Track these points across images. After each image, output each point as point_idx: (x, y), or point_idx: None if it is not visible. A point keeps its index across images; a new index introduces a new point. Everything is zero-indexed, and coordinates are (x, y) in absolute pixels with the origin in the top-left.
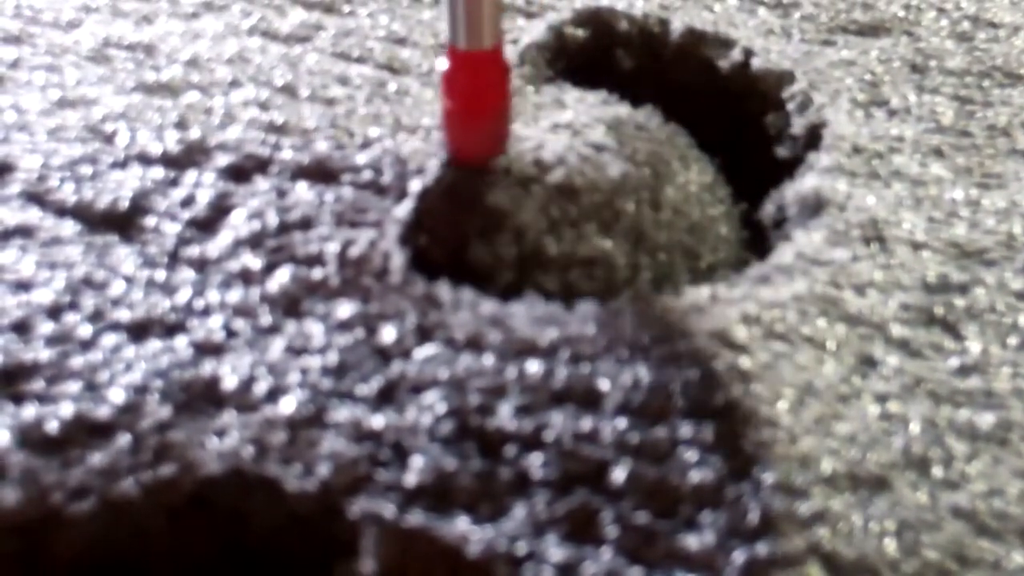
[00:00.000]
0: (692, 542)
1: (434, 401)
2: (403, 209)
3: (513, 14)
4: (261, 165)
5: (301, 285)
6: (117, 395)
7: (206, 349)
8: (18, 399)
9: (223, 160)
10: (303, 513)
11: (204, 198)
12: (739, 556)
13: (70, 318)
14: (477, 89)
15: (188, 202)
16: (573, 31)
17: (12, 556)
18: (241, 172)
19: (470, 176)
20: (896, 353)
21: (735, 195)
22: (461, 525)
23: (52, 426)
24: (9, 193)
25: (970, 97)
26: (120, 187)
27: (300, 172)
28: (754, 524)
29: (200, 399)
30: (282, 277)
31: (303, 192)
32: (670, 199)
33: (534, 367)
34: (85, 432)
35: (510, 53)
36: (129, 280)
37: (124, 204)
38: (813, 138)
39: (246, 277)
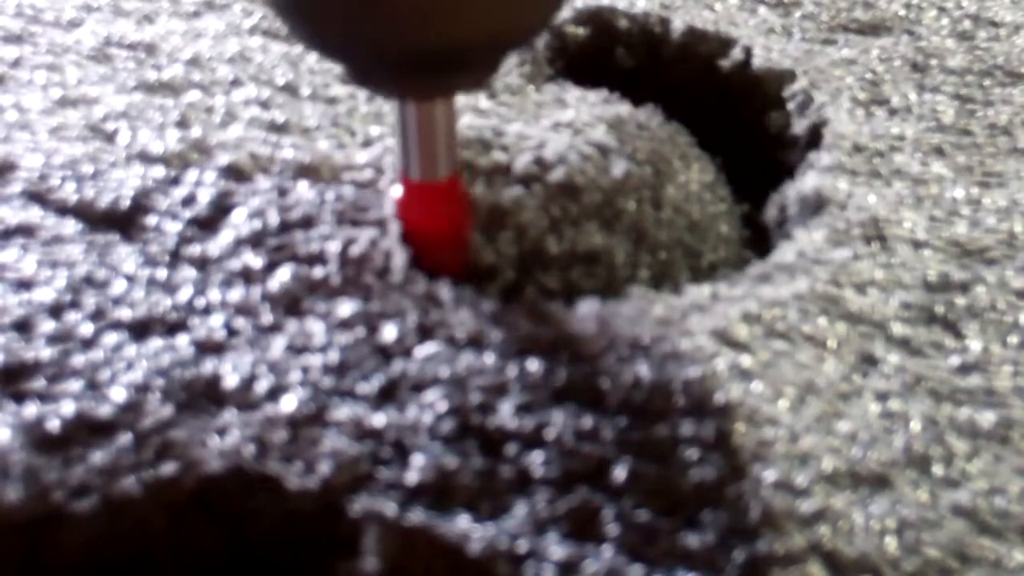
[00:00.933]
0: (693, 540)
1: (435, 399)
2: None
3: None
4: (262, 164)
5: (302, 284)
6: (118, 393)
7: (207, 348)
8: (19, 397)
9: (224, 159)
10: (304, 511)
11: (205, 197)
12: (740, 554)
13: (71, 317)
14: (432, 221)
15: (189, 201)
16: (573, 29)
17: (13, 555)
18: (242, 171)
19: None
20: (897, 351)
21: (736, 194)
22: (462, 523)
23: (53, 424)
24: (10, 192)
25: (971, 96)
26: (121, 186)
27: (301, 171)
28: (755, 522)
29: (201, 397)
30: (283, 276)
31: (304, 191)
32: (671, 198)
33: (535, 365)
34: (86, 430)
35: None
36: (130, 279)
37: (125, 203)
38: (814, 137)
39: (247, 276)
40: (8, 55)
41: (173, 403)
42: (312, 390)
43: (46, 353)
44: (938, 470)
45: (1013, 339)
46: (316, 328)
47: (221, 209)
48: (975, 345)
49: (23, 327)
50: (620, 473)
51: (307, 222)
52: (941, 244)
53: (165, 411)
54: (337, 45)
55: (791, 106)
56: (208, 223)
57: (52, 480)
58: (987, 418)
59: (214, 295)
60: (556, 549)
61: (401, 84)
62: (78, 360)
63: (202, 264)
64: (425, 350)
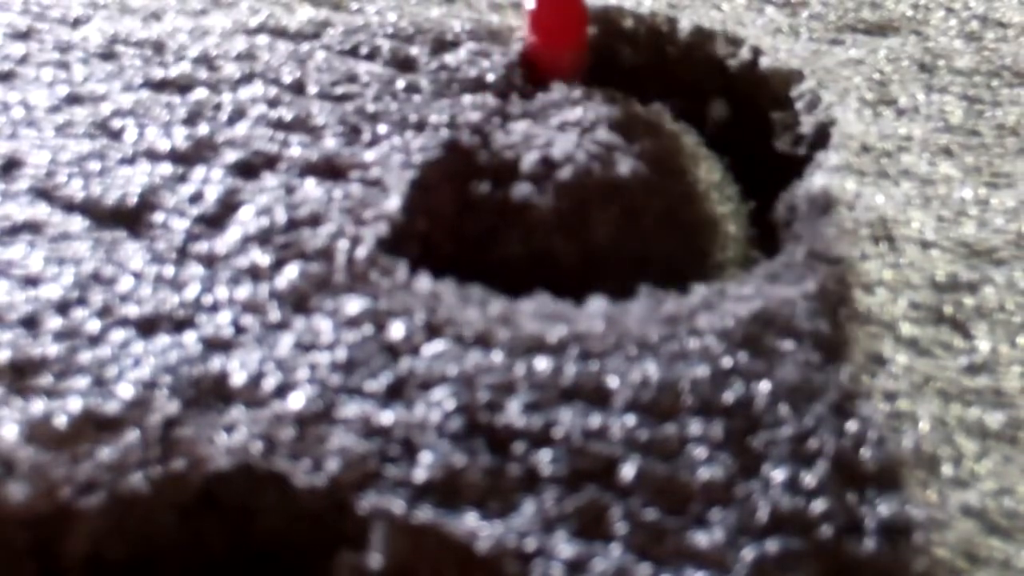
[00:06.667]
0: (702, 539)
1: (443, 397)
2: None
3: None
4: (269, 161)
5: (310, 281)
6: (126, 390)
7: (215, 345)
8: (26, 394)
9: (231, 156)
10: (312, 508)
11: (212, 194)
12: (748, 553)
13: (78, 313)
14: (559, 24)
15: (196, 198)
16: None
17: (21, 551)
18: (250, 168)
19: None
20: (905, 351)
21: (743, 193)
22: (470, 521)
23: (60, 421)
24: (17, 189)
25: (979, 96)
26: (128, 183)
27: (309, 168)
28: (764, 522)
29: (209, 395)
30: (291, 273)
31: (312, 189)
32: (679, 197)
33: (543, 364)
34: (93, 427)
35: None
36: (137, 276)
37: (132, 200)
38: (822, 137)
39: (255, 273)
40: (15, 52)
41: (180, 400)
42: (320, 387)
43: (53, 350)
44: (947, 470)
45: (1022, 340)
46: (324, 326)
47: (228, 207)
48: (984, 345)
49: (30, 323)
50: (628, 472)
51: (315, 220)
52: (949, 244)
53: (172, 408)
54: None
55: (799, 106)
56: (215, 220)
57: (59, 477)
58: (996, 419)
59: (221, 292)
60: (564, 547)
61: None
62: (85, 357)
63: (209, 261)
64: (433, 348)
